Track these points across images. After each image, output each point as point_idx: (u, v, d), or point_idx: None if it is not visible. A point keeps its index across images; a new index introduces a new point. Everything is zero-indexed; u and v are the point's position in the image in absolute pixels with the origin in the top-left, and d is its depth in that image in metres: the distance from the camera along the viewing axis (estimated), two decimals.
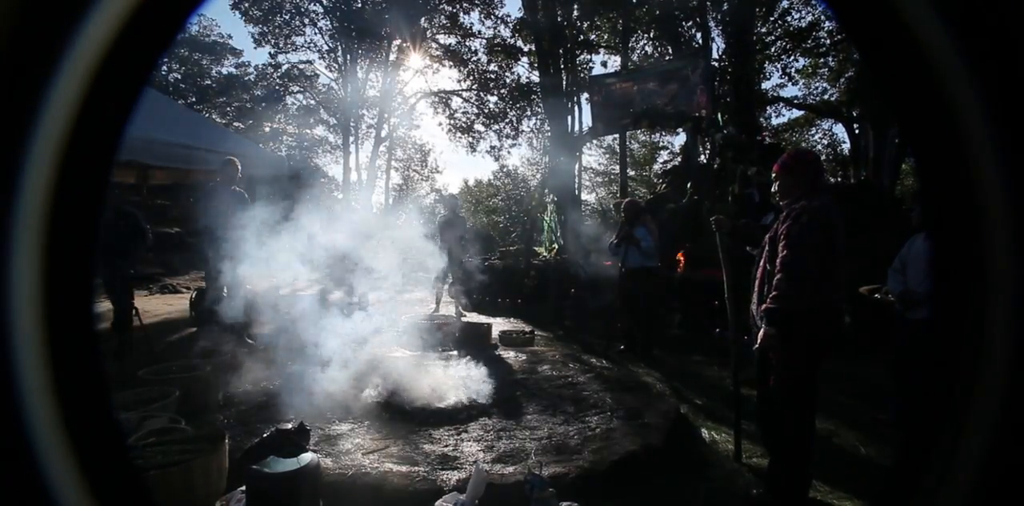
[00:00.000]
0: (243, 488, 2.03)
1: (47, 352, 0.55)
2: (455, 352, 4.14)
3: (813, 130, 20.99)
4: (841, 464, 2.86)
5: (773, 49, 15.58)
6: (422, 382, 3.31)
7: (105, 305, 4.73)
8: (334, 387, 3.22)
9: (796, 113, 18.85)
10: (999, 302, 0.56)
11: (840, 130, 18.37)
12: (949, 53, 0.54)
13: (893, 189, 11.43)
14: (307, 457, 2.00)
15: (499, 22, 18.58)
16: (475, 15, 20.29)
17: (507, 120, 19.87)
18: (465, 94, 20.79)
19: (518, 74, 18.96)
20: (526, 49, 16.73)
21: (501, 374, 3.69)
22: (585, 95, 13.72)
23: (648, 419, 3.00)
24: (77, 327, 0.58)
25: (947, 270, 0.63)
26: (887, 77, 0.61)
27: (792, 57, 15.82)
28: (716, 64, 11.35)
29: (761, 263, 2.44)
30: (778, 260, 2.26)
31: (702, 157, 10.50)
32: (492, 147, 20.60)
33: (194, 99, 22.84)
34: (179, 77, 23.71)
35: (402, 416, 3.02)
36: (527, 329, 5.86)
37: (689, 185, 8.62)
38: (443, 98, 21.37)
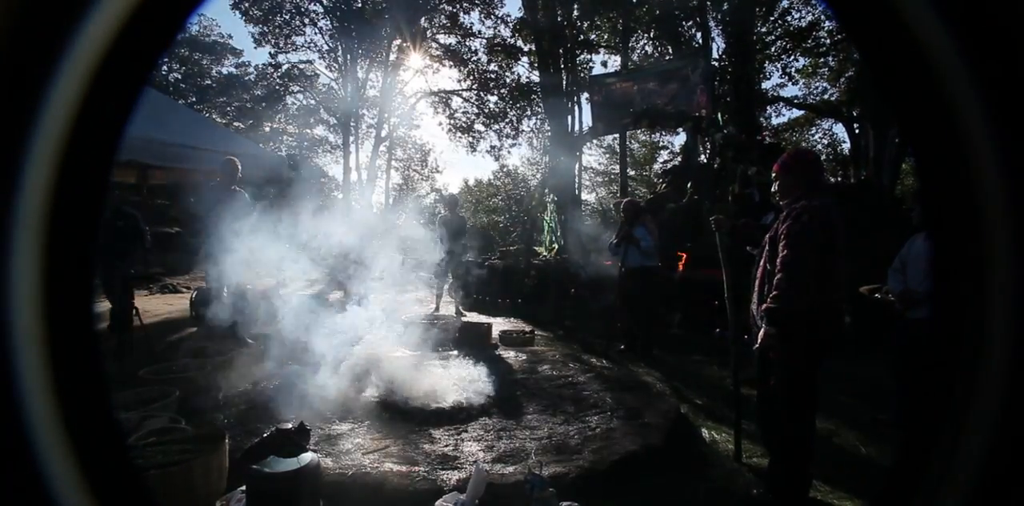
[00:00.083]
0: (243, 488, 2.03)
1: (47, 352, 0.55)
2: (455, 352, 4.14)
3: (813, 130, 21.01)
4: (841, 464, 2.86)
5: (773, 49, 15.58)
6: (422, 382, 3.31)
7: (104, 305, 4.74)
8: (334, 387, 3.22)
9: (796, 113, 18.88)
10: (999, 302, 0.56)
11: (840, 130, 18.39)
12: (949, 53, 0.53)
13: (893, 189, 11.43)
14: (307, 457, 2.00)
15: (499, 22, 18.62)
16: (475, 15, 20.30)
17: (507, 120, 19.88)
18: (465, 94, 20.80)
19: (518, 74, 18.99)
20: (526, 49, 16.74)
21: (501, 374, 3.69)
22: (585, 95, 13.74)
23: (648, 419, 3.00)
24: (77, 327, 0.58)
25: (947, 270, 0.63)
26: (887, 77, 0.61)
27: (792, 57, 15.84)
28: (716, 64, 11.35)
29: (761, 263, 2.44)
30: (778, 260, 2.26)
31: (702, 157, 10.50)
32: (492, 147, 20.62)
33: (194, 99, 22.85)
34: (179, 77, 23.72)
35: (402, 416, 3.02)
36: (527, 329, 5.86)
37: (689, 185, 8.62)
38: (443, 98, 21.38)
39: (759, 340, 2.33)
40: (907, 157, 11.26)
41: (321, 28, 20.59)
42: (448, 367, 3.64)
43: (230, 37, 27.22)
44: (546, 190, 13.68)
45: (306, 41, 20.92)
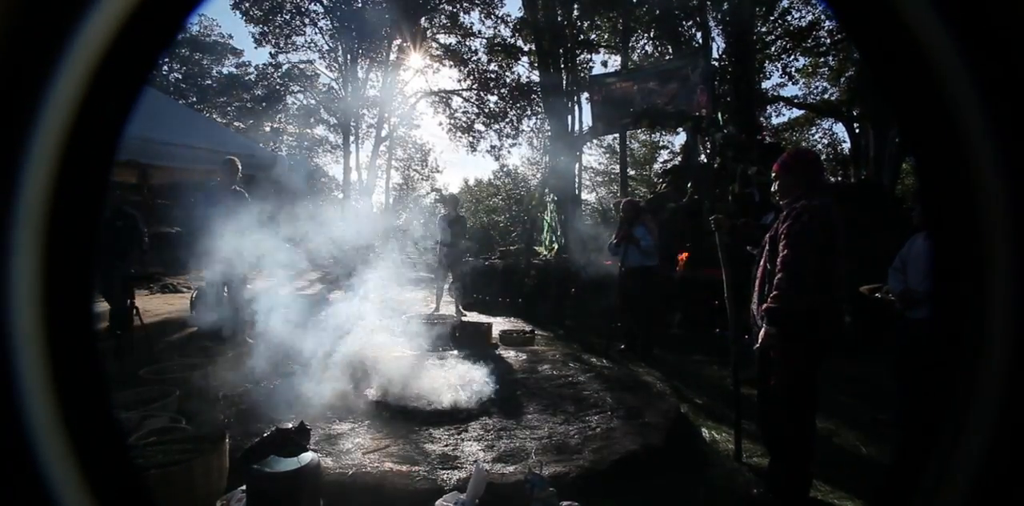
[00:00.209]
0: (244, 488, 2.04)
1: (47, 352, 0.55)
2: (455, 351, 4.14)
3: (813, 129, 21.03)
4: (841, 464, 2.86)
5: (773, 48, 15.59)
6: (422, 381, 3.31)
7: (104, 305, 4.74)
8: (334, 386, 3.23)
9: (796, 112, 18.91)
10: (999, 302, 0.56)
11: (840, 129, 18.42)
12: (949, 53, 0.53)
13: (893, 188, 11.42)
14: (307, 456, 2.00)
15: (499, 22, 18.64)
16: (475, 15, 20.29)
17: (507, 120, 19.90)
18: (465, 94, 20.80)
19: (518, 74, 19.02)
20: (526, 49, 16.74)
21: (501, 373, 3.69)
22: (585, 95, 13.73)
23: (648, 418, 3.00)
24: (77, 327, 0.58)
25: (947, 270, 0.63)
26: (887, 77, 0.61)
27: (792, 56, 15.85)
28: (716, 64, 11.34)
29: (761, 262, 2.44)
30: (779, 259, 2.26)
31: (702, 156, 10.49)
32: (492, 147, 20.65)
33: (195, 99, 22.84)
34: (180, 77, 23.72)
35: (402, 415, 3.02)
36: (527, 328, 5.86)
37: (689, 184, 8.63)
38: (443, 98, 21.38)
39: (759, 340, 2.33)
40: (907, 157, 11.26)
41: (321, 28, 20.61)
42: (448, 367, 3.64)
43: (230, 37, 27.27)
44: (546, 190, 13.67)
45: (306, 41, 20.96)
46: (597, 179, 28.33)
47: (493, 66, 19.27)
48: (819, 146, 20.71)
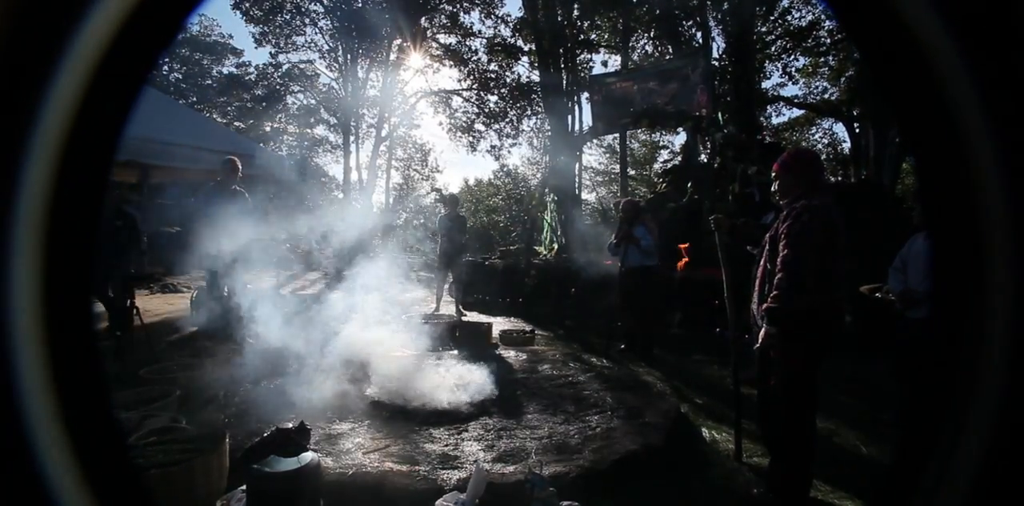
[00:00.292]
0: (244, 487, 2.03)
1: (47, 352, 0.55)
2: (455, 351, 4.14)
3: (813, 129, 21.03)
4: (842, 464, 2.86)
5: (773, 48, 15.59)
6: (422, 381, 3.31)
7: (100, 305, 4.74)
8: (334, 386, 3.23)
9: (796, 112, 18.92)
10: (999, 302, 0.56)
11: (840, 129, 18.43)
12: (949, 53, 0.53)
13: (893, 188, 11.42)
14: (308, 456, 2.00)
15: (499, 22, 18.64)
16: (475, 15, 20.30)
17: (507, 119, 19.91)
18: (465, 94, 20.80)
19: (518, 74, 19.02)
20: (526, 49, 16.75)
21: (501, 373, 3.69)
22: (585, 94, 13.74)
23: (648, 418, 3.00)
24: (76, 327, 0.58)
25: (947, 270, 0.63)
26: (887, 77, 0.61)
27: (792, 56, 15.86)
28: (716, 64, 11.34)
29: (761, 262, 2.44)
30: (779, 259, 2.26)
31: (702, 156, 10.49)
32: (492, 146, 20.66)
33: (195, 99, 22.84)
34: (180, 77, 23.72)
35: (402, 415, 3.02)
36: (527, 328, 5.86)
37: (689, 184, 8.63)
38: (443, 97, 21.39)
39: (759, 339, 2.33)
40: (907, 156, 11.26)
41: (321, 28, 20.59)
42: (448, 366, 3.63)
43: (231, 37, 27.29)
44: (546, 189, 13.68)
45: (306, 41, 20.94)
46: (597, 179, 28.36)
47: (493, 66, 19.30)
48: (819, 146, 20.74)
